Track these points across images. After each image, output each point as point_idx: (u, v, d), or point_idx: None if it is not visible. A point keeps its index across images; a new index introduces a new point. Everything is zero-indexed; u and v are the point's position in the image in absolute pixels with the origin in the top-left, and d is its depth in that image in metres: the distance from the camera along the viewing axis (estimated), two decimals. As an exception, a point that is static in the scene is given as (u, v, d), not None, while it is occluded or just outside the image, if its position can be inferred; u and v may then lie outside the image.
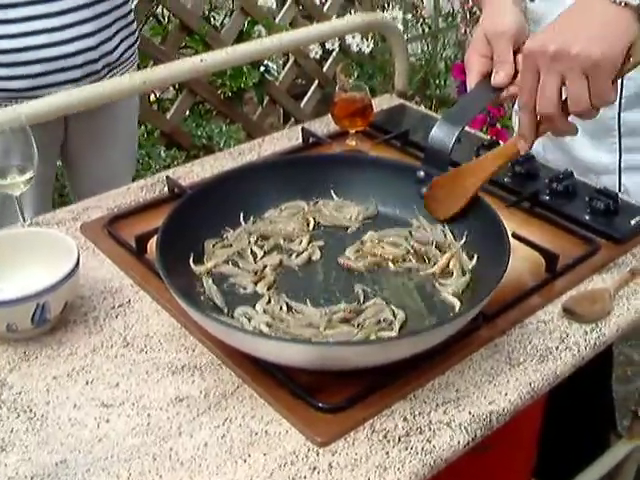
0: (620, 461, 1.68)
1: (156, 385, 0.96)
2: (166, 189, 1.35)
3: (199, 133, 2.83)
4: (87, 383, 0.96)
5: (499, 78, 1.08)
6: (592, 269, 1.15)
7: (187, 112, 2.94)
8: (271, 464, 0.85)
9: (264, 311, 1.01)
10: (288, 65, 3.19)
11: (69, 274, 1.01)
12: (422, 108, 1.89)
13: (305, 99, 3.30)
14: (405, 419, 0.90)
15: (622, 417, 1.98)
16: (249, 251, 1.13)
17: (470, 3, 3.28)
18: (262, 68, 2.95)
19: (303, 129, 1.53)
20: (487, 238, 1.05)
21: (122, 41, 1.72)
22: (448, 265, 1.08)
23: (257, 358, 0.94)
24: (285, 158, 1.42)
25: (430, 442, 0.87)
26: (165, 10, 2.87)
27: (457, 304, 1.02)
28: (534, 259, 1.14)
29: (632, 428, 1.69)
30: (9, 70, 1.56)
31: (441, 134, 1.11)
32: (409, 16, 3.50)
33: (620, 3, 0.89)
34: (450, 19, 3.61)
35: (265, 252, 1.13)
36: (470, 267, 1.07)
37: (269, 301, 1.03)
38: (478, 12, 3.07)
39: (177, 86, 2.93)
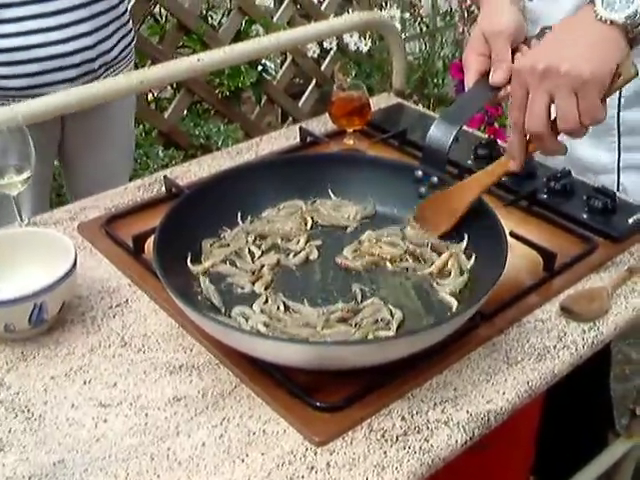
0: (618, 460, 1.68)
1: (154, 385, 0.96)
2: (163, 189, 1.35)
3: (197, 132, 2.83)
4: (85, 383, 0.96)
5: (497, 77, 1.08)
6: (590, 268, 1.15)
7: (185, 111, 2.94)
8: (269, 464, 0.85)
9: (261, 311, 1.01)
10: (286, 64, 3.19)
11: (66, 274, 1.00)
12: (420, 107, 1.89)
13: (303, 98, 3.30)
14: (403, 418, 0.90)
15: (620, 416, 1.98)
16: (246, 251, 1.13)
17: (468, 2, 3.27)
18: (260, 67, 2.95)
19: (301, 128, 1.53)
20: (485, 237, 1.05)
21: (119, 40, 1.72)
22: (446, 265, 1.08)
23: (255, 358, 0.94)
24: (283, 157, 1.42)
25: (428, 441, 0.87)
26: (163, 9, 2.87)
27: (454, 304, 1.02)
28: (532, 258, 1.14)
29: (630, 427, 1.69)
30: (6, 69, 1.56)
31: (439, 133, 1.11)
32: (407, 15, 3.49)
33: (606, 21, 0.89)
34: (448, 18, 3.61)
35: (263, 252, 1.13)
36: (468, 267, 1.07)
37: (266, 301, 1.03)
38: (476, 11, 3.07)
39: (175, 85, 2.93)
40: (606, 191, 1.27)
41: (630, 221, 1.23)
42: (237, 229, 1.16)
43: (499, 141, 1.45)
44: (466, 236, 1.11)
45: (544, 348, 1.01)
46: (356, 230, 1.17)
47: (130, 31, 1.79)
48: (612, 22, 0.89)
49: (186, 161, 1.54)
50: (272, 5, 3.16)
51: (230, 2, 3.13)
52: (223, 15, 3.17)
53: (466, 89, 1.12)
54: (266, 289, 1.06)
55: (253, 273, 1.08)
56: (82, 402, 0.93)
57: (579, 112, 0.91)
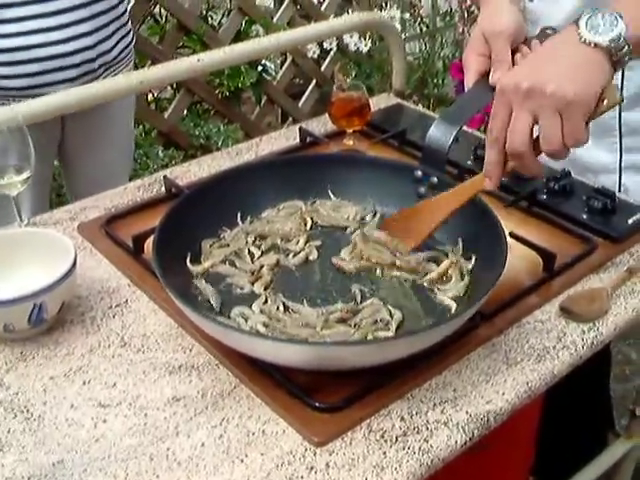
0: (618, 460, 1.68)
1: (153, 385, 0.95)
2: (163, 189, 1.35)
3: (197, 133, 2.83)
4: (84, 383, 0.96)
5: (497, 77, 1.08)
6: (589, 268, 1.15)
7: (185, 112, 2.94)
8: (268, 464, 0.85)
9: (261, 311, 1.01)
10: (286, 65, 3.19)
11: (66, 274, 1.00)
12: (420, 107, 1.89)
13: (303, 98, 3.30)
14: (402, 419, 0.90)
15: (620, 416, 1.98)
16: (246, 251, 1.13)
17: (468, 2, 3.27)
18: (260, 68, 2.95)
19: (300, 129, 1.53)
20: (485, 238, 1.05)
21: (119, 41, 1.72)
22: (446, 272, 1.07)
23: (254, 358, 0.94)
24: (283, 158, 1.42)
25: (427, 442, 0.87)
26: (163, 10, 2.87)
27: (453, 305, 1.02)
28: (532, 258, 1.14)
29: (630, 427, 1.70)
30: (7, 69, 1.56)
31: (438, 133, 1.10)
32: (407, 15, 3.49)
33: (590, 44, 0.88)
34: (448, 18, 3.61)
35: (262, 252, 1.13)
36: (470, 268, 1.07)
37: (266, 301, 1.03)
38: (476, 11, 3.07)
39: (175, 86, 2.93)
40: (606, 191, 1.27)
41: (630, 222, 1.23)
42: (237, 229, 1.16)
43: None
44: (460, 240, 1.11)
45: (544, 349, 1.01)
46: (356, 231, 1.17)
47: (130, 31, 1.79)
48: (596, 45, 0.88)
49: (186, 161, 1.54)
50: (272, 5, 3.16)
51: (230, 2, 3.13)
52: (223, 15, 3.17)
53: (466, 89, 1.12)
54: (265, 289, 1.06)
55: (253, 273, 1.08)
56: (81, 402, 0.93)
57: (563, 134, 0.89)
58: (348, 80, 3.18)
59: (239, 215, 1.18)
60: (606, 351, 1.69)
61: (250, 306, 1.02)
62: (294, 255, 1.13)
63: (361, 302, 1.02)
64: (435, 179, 1.14)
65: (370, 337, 0.96)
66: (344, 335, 0.96)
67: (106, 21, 1.67)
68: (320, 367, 0.92)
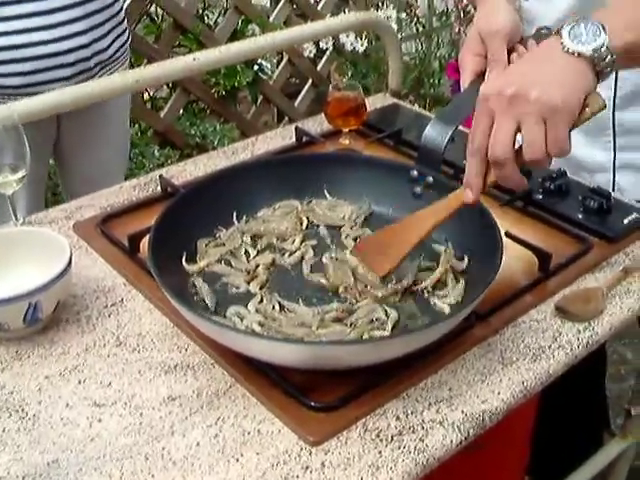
0: (613, 460, 1.68)
1: (148, 384, 0.95)
2: (159, 188, 1.35)
3: (193, 132, 2.83)
4: (79, 382, 0.96)
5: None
6: (585, 268, 1.15)
7: (181, 111, 2.94)
8: (264, 463, 0.85)
9: (256, 310, 1.01)
10: (282, 64, 3.18)
11: (61, 273, 1.00)
12: (416, 107, 1.89)
13: (299, 98, 3.30)
14: (398, 418, 0.90)
15: (615, 416, 1.99)
16: (242, 250, 1.13)
17: (464, 2, 3.28)
18: (256, 67, 2.95)
19: (296, 128, 1.53)
20: (480, 237, 1.05)
21: (115, 39, 1.72)
22: (440, 279, 1.07)
23: (250, 357, 0.94)
24: (278, 157, 1.42)
25: (423, 441, 0.87)
26: (159, 9, 2.87)
27: (447, 309, 1.02)
28: (527, 258, 1.14)
29: (625, 427, 1.70)
30: (2, 67, 1.56)
31: (434, 133, 1.10)
32: (403, 15, 3.49)
33: (574, 53, 0.87)
34: (444, 18, 3.61)
35: (258, 251, 1.13)
36: (463, 267, 1.07)
37: (261, 300, 1.03)
38: (472, 11, 3.07)
39: (171, 85, 2.93)
40: (601, 191, 1.27)
41: (625, 221, 1.23)
42: (232, 229, 1.16)
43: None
44: (451, 243, 1.11)
45: (539, 348, 1.01)
46: (351, 230, 1.17)
47: (125, 30, 1.79)
48: (580, 54, 0.87)
49: (182, 160, 1.54)
50: (268, 5, 3.16)
51: (226, 1, 3.13)
52: (219, 14, 3.17)
53: (462, 89, 1.12)
54: (261, 289, 1.06)
55: (248, 273, 1.08)
56: (76, 402, 0.93)
57: (546, 142, 0.87)
58: (344, 80, 3.18)
59: (235, 214, 1.18)
60: (602, 351, 1.69)
61: (246, 305, 1.02)
62: (290, 254, 1.12)
63: (356, 302, 1.02)
64: (431, 179, 1.14)
65: (366, 336, 0.96)
66: (340, 334, 0.96)
67: (101, 20, 1.66)
68: (316, 366, 0.92)
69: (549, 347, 1.01)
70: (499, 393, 0.94)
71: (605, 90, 1.30)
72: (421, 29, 3.59)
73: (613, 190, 1.37)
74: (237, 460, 0.85)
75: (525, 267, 1.14)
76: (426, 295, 1.05)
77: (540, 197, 1.29)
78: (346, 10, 3.36)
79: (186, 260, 1.09)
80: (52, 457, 0.86)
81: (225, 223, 1.16)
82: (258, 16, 3.00)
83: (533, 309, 1.08)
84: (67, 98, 1.35)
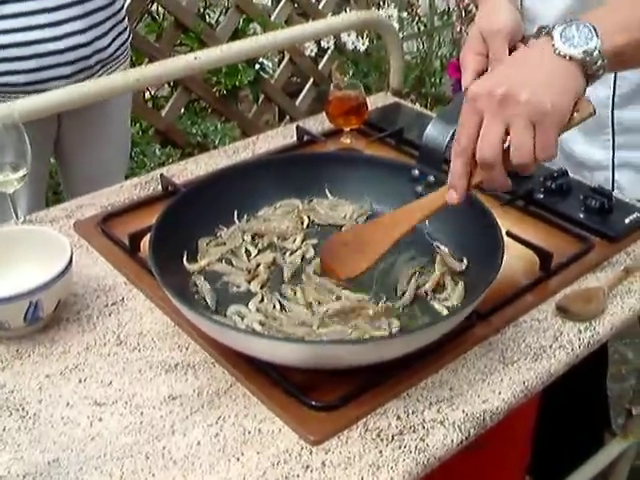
0: (614, 459, 1.68)
1: (149, 383, 0.95)
2: (160, 187, 1.35)
3: (194, 131, 2.83)
4: (80, 381, 0.96)
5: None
6: (586, 267, 1.15)
7: (182, 110, 2.93)
8: (264, 462, 0.85)
9: (257, 309, 1.01)
10: (283, 63, 3.18)
11: (62, 272, 1.00)
12: (417, 106, 1.89)
13: (300, 97, 3.30)
14: (398, 418, 0.90)
15: (616, 415, 1.99)
16: (243, 249, 1.13)
17: (465, 1, 3.27)
18: (257, 66, 2.95)
19: (298, 127, 1.52)
20: (481, 236, 1.05)
21: (115, 38, 1.72)
22: (439, 282, 1.06)
23: (250, 356, 0.93)
24: (280, 156, 1.42)
25: (423, 441, 0.87)
26: (160, 7, 2.87)
27: (445, 311, 1.02)
28: (528, 257, 1.14)
29: (626, 426, 1.70)
30: (3, 66, 1.56)
31: (436, 132, 1.10)
32: (404, 14, 3.49)
33: (565, 56, 0.86)
34: (445, 17, 3.61)
35: (259, 250, 1.13)
36: (463, 268, 1.07)
37: (262, 299, 1.03)
38: (474, 10, 3.07)
39: (172, 84, 2.93)
40: (603, 191, 1.27)
41: (627, 221, 1.23)
42: (233, 228, 1.16)
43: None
44: (445, 246, 1.11)
45: (540, 348, 1.01)
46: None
47: (126, 28, 1.79)
48: (571, 57, 0.86)
49: (183, 159, 1.54)
50: (270, 4, 3.16)
51: (227, 0, 3.13)
52: (221, 13, 3.17)
53: (463, 88, 1.12)
54: (262, 288, 1.06)
55: (249, 272, 1.08)
56: (77, 401, 0.93)
57: (534, 146, 0.85)
58: (345, 79, 3.18)
59: (236, 213, 1.18)
60: (603, 350, 1.69)
61: (246, 304, 1.02)
62: (291, 253, 1.12)
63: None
64: (432, 178, 1.14)
65: (367, 336, 0.96)
66: (341, 334, 0.96)
67: (102, 18, 1.66)
68: (316, 366, 0.92)
69: (550, 347, 1.01)
70: (500, 393, 0.94)
71: (604, 89, 1.32)
72: (422, 28, 3.59)
73: (612, 188, 1.37)
74: (238, 459, 0.85)
75: (526, 266, 1.13)
76: (427, 298, 1.04)
77: (541, 196, 1.29)
78: (347, 9, 3.36)
79: (187, 259, 1.09)
80: (53, 456, 0.86)
81: (226, 222, 1.16)
82: (259, 15, 3.00)
83: (534, 308, 1.08)
84: (68, 97, 1.35)
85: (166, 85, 3.00)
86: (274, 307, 1.01)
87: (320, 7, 3.27)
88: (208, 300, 1.03)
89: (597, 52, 0.85)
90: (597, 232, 1.21)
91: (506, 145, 0.87)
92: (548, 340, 1.02)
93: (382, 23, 1.80)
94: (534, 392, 0.97)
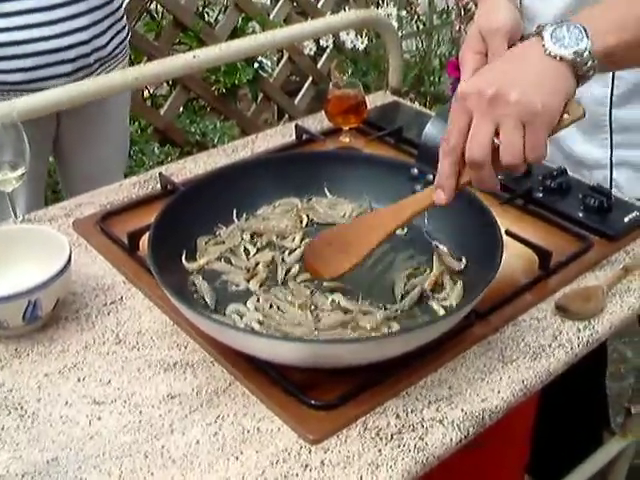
0: (613, 458, 1.68)
1: (148, 382, 0.95)
2: (159, 186, 1.35)
3: (193, 129, 2.83)
4: (79, 380, 0.96)
5: None
6: (585, 266, 1.15)
7: (181, 108, 2.94)
8: (263, 462, 0.85)
9: (255, 309, 1.01)
10: (282, 62, 3.18)
11: (61, 271, 1.00)
12: (416, 105, 1.89)
13: (299, 96, 3.30)
14: (398, 416, 0.90)
15: (615, 414, 1.99)
16: (242, 248, 1.13)
17: (464, 0, 3.27)
18: (256, 64, 2.95)
19: (296, 126, 1.52)
20: (480, 236, 1.04)
21: (114, 36, 1.72)
22: (438, 280, 1.06)
23: (249, 355, 0.93)
24: (278, 155, 1.42)
25: (423, 439, 0.87)
26: (159, 6, 2.87)
27: (442, 311, 1.02)
28: (527, 256, 1.13)
29: (625, 425, 1.70)
30: (2, 64, 1.56)
31: (435, 131, 1.11)
32: (404, 13, 3.49)
33: (555, 57, 0.85)
34: (445, 16, 3.61)
35: (258, 249, 1.13)
36: (462, 267, 1.07)
37: (258, 299, 1.02)
38: (473, 9, 3.07)
39: (171, 82, 2.93)
40: (602, 190, 1.27)
41: (626, 220, 1.23)
42: (232, 226, 1.16)
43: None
44: (444, 247, 1.10)
45: (539, 347, 1.01)
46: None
47: (125, 27, 1.79)
48: (561, 58, 0.85)
49: (182, 158, 1.53)
50: (269, 2, 3.16)
51: (226, -1, 3.13)
52: (219, 12, 3.17)
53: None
54: (261, 286, 1.05)
55: (248, 270, 1.08)
56: (76, 399, 0.93)
57: (524, 147, 0.84)
58: (344, 77, 3.17)
59: (235, 212, 1.18)
60: (602, 349, 1.69)
61: (245, 303, 1.02)
62: (290, 252, 1.12)
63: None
64: (431, 177, 1.13)
65: (366, 335, 0.96)
66: (340, 333, 0.96)
67: (100, 16, 1.67)
68: (315, 365, 0.92)
69: (549, 345, 1.01)
70: (499, 392, 0.94)
71: (602, 88, 1.32)
72: (421, 27, 3.59)
73: (610, 187, 1.37)
74: (237, 458, 0.85)
75: (525, 265, 1.13)
76: (425, 298, 1.04)
77: (540, 195, 1.29)
78: (346, 8, 3.36)
79: (186, 258, 1.09)
80: (51, 455, 0.86)
81: (225, 221, 1.16)
82: (258, 14, 2.99)
83: (533, 307, 1.08)
84: (67, 95, 1.35)
85: (165, 84, 3.00)
86: (271, 307, 1.01)
87: (319, 6, 3.27)
88: (207, 299, 1.02)
89: (587, 53, 0.85)
90: (596, 231, 1.21)
91: (495, 145, 0.86)
92: (547, 339, 1.02)
93: (381, 22, 1.79)
94: (533, 391, 0.96)
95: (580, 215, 1.24)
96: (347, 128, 1.50)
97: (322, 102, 1.53)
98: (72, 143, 1.84)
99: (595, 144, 1.39)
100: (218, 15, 3.15)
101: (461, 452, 0.90)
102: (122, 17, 1.77)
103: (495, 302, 1.05)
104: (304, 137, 1.51)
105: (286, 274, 1.07)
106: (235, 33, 2.94)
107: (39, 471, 0.84)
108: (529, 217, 1.26)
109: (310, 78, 3.30)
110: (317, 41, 3.23)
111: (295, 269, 1.08)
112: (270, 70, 3.12)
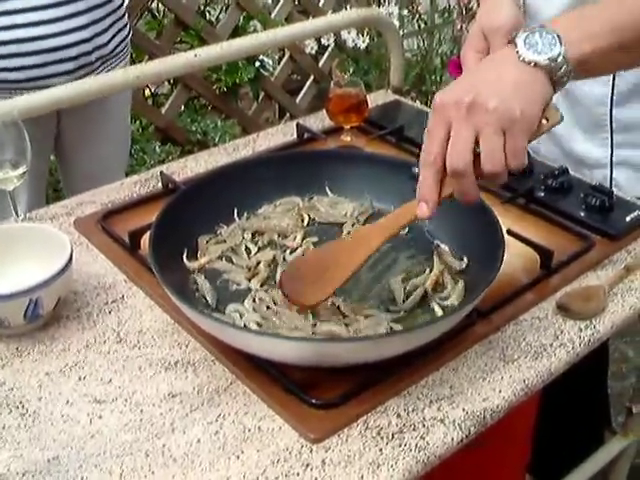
0: (614, 457, 1.68)
1: (149, 381, 0.95)
2: (160, 184, 1.34)
3: (194, 128, 2.83)
4: (80, 379, 0.96)
5: None
6: (587, 266, 1.15)
7: (182, 107, 2.94)
8: (264, 460, 0.85)
9: (254, 309, 1.01)
10: (283, 60, 3.18)
11: (62, 270, 1.00)
12: (417, 104, 1.89)
13: (300, 94, 3.30)
14: (399, 416, 0.90)
15: (617, 413, 1.99)
16: (243, 247, 1.13)
17: (466, -1, 3.27)
18: (257, 63, 2.95)
19: (298, 125, 1.52)
20: (482, 235, 1.04)
21: (115, 34, 1.72)
22: (439, 280, 1.06)
23: (250, 354, 0.93)
24: (280, 154, 1.42)
25: (424, 439, 0.87)
26: (160, 5, 2.87)
27: (440, 311, 1.02)
28: (529, 256, 1.13)
29: (626, 424, 1.70)
30: (4, 62, 1.56)
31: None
32: (405, 12, 3.48)
33: (530, 63, 0.85)
34: (446, 15, 3.60)
35: (259, 248, 1.13)
36: (463, 267, 1.07)
37: (255, 300, 1.02)
38: (474, 7, 3.07)
39: (172, 81, 2.93)
40: (603, 189, 1.27)
41: (627, 219, 1.23)
42: (233, 225, 1.16)
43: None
44: (445, 247, 1.10)
45: (541, 346, 1.01)
46: (353, 227, 1.17)
47: (126, 25, 1.79)
48: (536, 64, 0.85)
49: (183, 157, 1.54)
50: (270, 1, 3.16)
51: (228, -2, 3.13)
52: (221, 11, 3.17)
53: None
54: (262, 285, 1.05)
55: (249, 269, 1.08)
56: (77, 398, 0.93)
57: (505, 154, 0.83)
58: (346, 76, 3.17)
59: (236, 211, 1.18)
60: (603, 349, 1.69)
61: (243, 303, 1.02)
62: (291, 251, 1.12)
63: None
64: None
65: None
66: (340, 332, 0.96)
67: (102, 14, 1.67)
68: (316, 363, 0.92)
69: (550, 345, 1.01)
70: (500, 391, 0.94)
71: (603, 87, 1.32)
72: (423, 26, 3.59)
73: (610, 186, 1.37)
74: (237, 457, 0.85)
75: (527, 265, 1.13)
76: (427, 297, 1.04)
77: (542, 194, 1.29)
78: (348, 7, 3.36)
79: (187, 257, 1.09)
80: (52, 454, 0.86)
81: (226, 220, 1.16)
82: (260, 12, 3.00)
83: (535, 307, 1.08)
84: (68, 94, 1.34)
85: (166, 82, 3.00)
86: (268, 308, 1.00)
87: (320, 5, 3.27)
88: (208, 298, 1.02)
89: (562, 58, 0.84)
90: (598, 230, 1.21)
91: (476, 152, 0.85)
92: (548, 338, 1.02)
93: (382, 20, 1.79)
94: (534, 390, 0.96)
95: (582, 214, 1.24)
96: (348, 127, 1.50)
97: (323, 101, 1.53)
98: (73, 141, 1.84)
99: (595, 143, 1.39)
100: (219, 14, 3.15)
101: (462, 451, 0.89)
102: (123, 15, 1.77)
103: (496, 301, 1.05)
104: (305, 136, 1.51)
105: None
106: (236, 32, 2.94)
107: (40, 470, 0.84)
108: (530, 216, 1.26)
109: (311, 77, 3.30)
110: (318, 40, 3.23)
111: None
112: (271, 69, 3.13)
